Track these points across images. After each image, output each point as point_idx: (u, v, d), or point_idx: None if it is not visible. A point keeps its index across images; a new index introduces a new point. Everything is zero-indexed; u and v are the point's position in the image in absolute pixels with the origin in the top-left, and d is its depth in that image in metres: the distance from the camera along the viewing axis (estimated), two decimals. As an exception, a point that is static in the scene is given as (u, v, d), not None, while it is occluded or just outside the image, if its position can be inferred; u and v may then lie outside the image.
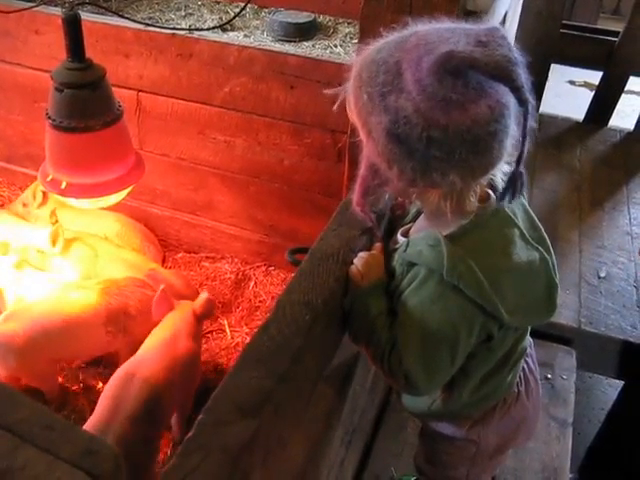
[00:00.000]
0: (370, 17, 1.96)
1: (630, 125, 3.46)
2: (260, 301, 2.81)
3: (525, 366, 1.38)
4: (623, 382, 2.31)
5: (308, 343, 0.99)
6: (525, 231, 1.16)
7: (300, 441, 1.10)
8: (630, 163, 3.08)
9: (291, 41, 3.93)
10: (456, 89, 0.95)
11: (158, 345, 2.06)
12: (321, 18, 5.67)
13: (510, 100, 0.98)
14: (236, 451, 0.81)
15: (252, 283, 2.89)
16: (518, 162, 1.02)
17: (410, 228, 1.24)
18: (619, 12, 6.32)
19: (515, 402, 1.35)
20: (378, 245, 1.25)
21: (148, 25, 2.53)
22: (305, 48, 3.59)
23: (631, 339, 2.11)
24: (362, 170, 1.10)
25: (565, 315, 2.19)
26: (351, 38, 5.82)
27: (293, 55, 2.43)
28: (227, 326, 2.69)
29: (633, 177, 2.97)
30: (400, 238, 1.23)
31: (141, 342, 2.11)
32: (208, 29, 2.95)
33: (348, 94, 1.08)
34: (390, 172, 1.04)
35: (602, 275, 2.37)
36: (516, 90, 0.94)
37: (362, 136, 1.07)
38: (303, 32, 5.16)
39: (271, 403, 0.89)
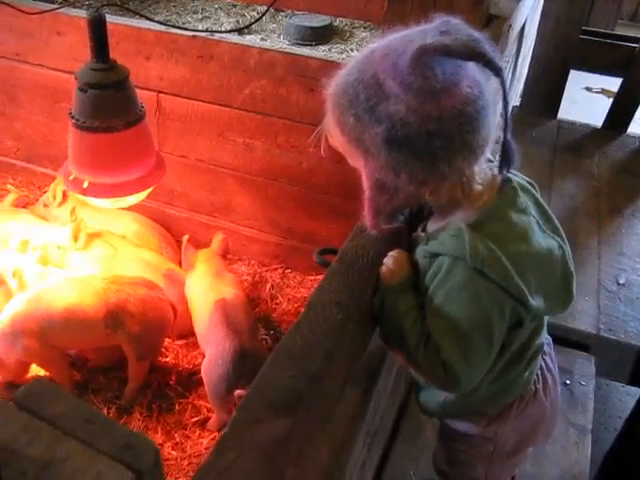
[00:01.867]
0: (394, 20, 1.96)
1: (647, 132, 3.45)
2: (277, 303, 2.81)
3: (543, 364, 1.38)
4: (641, 390, 2.30)
5: (339, 343, 0.99)
6: (539, 220, 1.18)
7: (328, 441, 1.10)
8: (649, 169, 3.08)
9: (307, 45, 3.95)
10: (437, 78, 1.00)
11: (212, 275, 2.46)
12: (337, 22, 5.70)
13: (481, 76, 1.05)
14: (270, 449, 0.82)
15: (269, 285, 2.90)
16: (505, 129, 1.08)
17: (427, 224, 1.25)
18: (637, 19, 6.31)
19: (532, 400, 1.35)
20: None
21: (171, 27, 2.55)
22: (321, 52, 3.60)
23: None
24: (367, 192, 1.13)
25: (584, 321, 2.19)
26: (367, 42, 5.85)
27: (314, 58, 2.44)
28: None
29: (652, 183, 2.96)
30: (420, 233, 1.24)
31: (143, 339, 2.28)
32: (225, 32, 2.97)
33: (329, 129, 1.13)
34: (398, 180, 1.07)
35: (621, 282, 2.37)
36: (489, 63, 1.01)
37: (358, 160, 1.11)
38: (319, 36, 5.18)
39: (303, 402, 0.89)
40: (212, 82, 2.57)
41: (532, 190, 1.22)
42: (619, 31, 5.42)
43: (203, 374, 2.23)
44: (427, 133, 1.01)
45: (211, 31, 2.58)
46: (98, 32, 1.85)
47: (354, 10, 2.32)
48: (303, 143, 2.60)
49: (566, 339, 2.15)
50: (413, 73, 1.00)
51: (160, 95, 2.66)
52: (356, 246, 1.17)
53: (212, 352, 2.20)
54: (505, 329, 1.14)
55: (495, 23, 1.99)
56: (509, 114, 1.08)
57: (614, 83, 3.57)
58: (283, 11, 5.68)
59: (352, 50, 5.02)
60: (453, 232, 1.12)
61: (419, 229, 1.25)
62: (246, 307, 2.39)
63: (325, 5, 2.40)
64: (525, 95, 3.77)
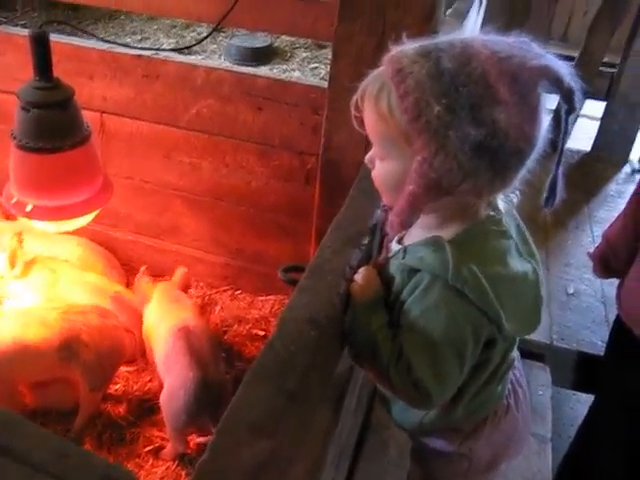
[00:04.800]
0: (344, 38, 1.96)
1: (585, 147, 3.55)
2: (227, 325, 2.76)
3: (513, 378, 1.38)
4: (594, 397, 2.33)
5: (314, 360, 0.96)
6: (518, 243, 1.18)
7: (303, 461, 1.07)
8: (589, 183, 3.17)
9: (249, 65, 3.93)
10: (540, 101, 1.02)
11: (172, 302, 2.40)
12: (278, 42, 5.75)
13: None
14: (254, 473, 0.78)
15: (218, 307, 2.84)
16: (558, 164, 1.08)
17: (403, 236, 1.23)
18: (567, 39, 6.52)
19: (505, 414, 1.35)
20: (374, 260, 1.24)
21: (116, 44, 2.50)
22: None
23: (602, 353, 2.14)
24: (412, 187, 1.06)
25: (537, 332, 2.21)
26: (308, 62, 5.90)
27: (261, 76, 2.42)
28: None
29: (593, 197, 3.05)
30: (395, 245, 1.22)
31: (97, 370, 2.19)
32: (169, 50, 2.92)
33: (377, 100, 1.07)
34: (461, 186, 1.04)
35: (570, 292, 2.41)
36: (568, 92, 1.02)
37: (406, 149, 1.06)
38: (260, 56, 5.21)
39: (283, 422, 0.86)
40: (158, 102, 2.53)
41: (515, 213, 1.22)
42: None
43: (162, 404, 2.14)
44: (515, 150, 1.01)
45: (155, 49, 2.53)
46: (41, 50, 1.79)
47: (302, 28, 2.31)
48: (251, 162, 2.58)
49: (521, 350, 2.17)
50: (530, 89, 1.00)
51: (104, 115, 2.60)
52: (324, 262, 1.15)
53: (173, 382, 2.11)
54: (478, 350, 1.14)
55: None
56: (564, 149, 1.08)
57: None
58: (224, 32, 5.69)
59: (294, 70, 5.06)
60: (434, 248, 1.11)
61: (394, 240, 1.24)
62: (210, 335, 2.32)
63: (272, 23, 2.38)
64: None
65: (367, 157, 1.18)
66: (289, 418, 0.89)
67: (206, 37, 2.24)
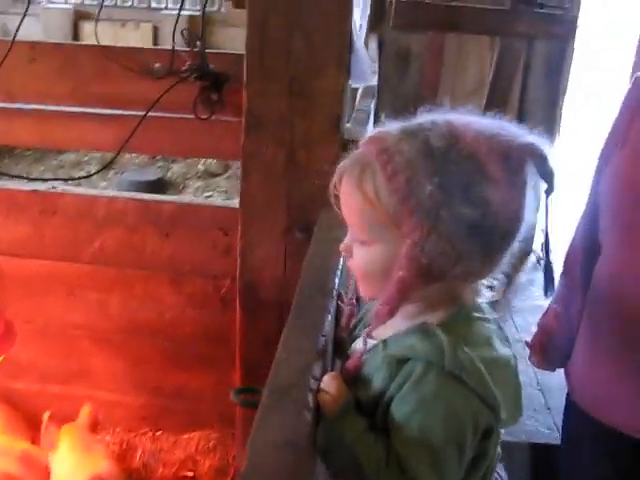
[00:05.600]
0: (252, 152, 1.94)
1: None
2: (151, 470, 2.52)
3: (497, 475, 1.28)
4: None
5: (299, 489, 0.84)
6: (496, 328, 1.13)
7: None
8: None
9: (143, 198, 3.87)
10: (526, 180, 1.00)
11: (81, 450, 2.23)
12: (170, 174, 5.75)
13: None
14: None
15: (139, 452, 2.60)
16: (547, 249, 1.08)
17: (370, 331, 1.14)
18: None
19: None
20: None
21: (10, 175, 2.37)
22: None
23: (552, 441, 2.09)
24: (403, 273, 0.99)
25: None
26: (202, 191, 5.91)
27: (167, 202, 2.35)
28: (118, 507, 2.36)
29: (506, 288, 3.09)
30: (370, 341, 1.11)
31: None
32: (62, 179, 2.81)
33: (376, 184, 1.00)
34: (452, 269, 0.99)
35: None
36: (550, 172, 1.01)
37: (393, 233, 1.00)
38: (153, 189, 5.16)
39: None
40: (57, 237, 2.39)
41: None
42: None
43: None
44: (505, 231, 0.99)
45: (50, 179, 2.43)
46: None
47: (207, 149, 2.28)
48: (163, 292, 2.45)
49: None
50: (519, 167, 0.98)
51: (-1, 257, 2.42)
52: (282, 376, 1.03)
53: None
54: (476, 441, 1.03)
55: (351, 147, 2.02)
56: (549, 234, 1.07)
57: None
58: (114, 168, 5.64)
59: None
60: (423, 334, 1.03)
61: (362, 336, 1.13)
62: None
63: (174, 146, 2.35)
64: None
65: (342, 245, 1.11)
66: None
67: (106, 166, 2.17)
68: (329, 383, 1.05)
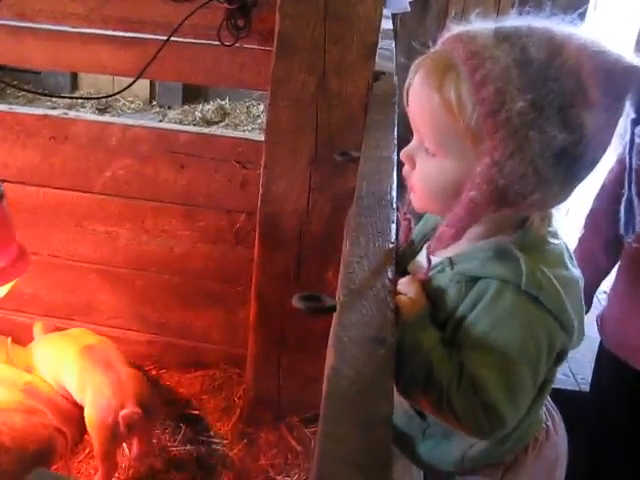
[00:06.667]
0: (282, 78, 1.87)
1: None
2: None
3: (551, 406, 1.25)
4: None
5: (386, 384, 0.79)
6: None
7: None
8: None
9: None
10: (624, 108, 0.93)
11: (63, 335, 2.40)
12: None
13: None
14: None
15: (143, 390, 2.55)
16: (630, 183, 1.04)
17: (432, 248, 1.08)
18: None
19: (546, 439, 1.18)
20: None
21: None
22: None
23: (570, 387, 2.07)
24: (474, 194, 0.91)
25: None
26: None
27: (184, 132, 2.28)
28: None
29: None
30: (434, 259, 1.05)
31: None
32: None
33: (459, 90, 0.90)
34: (532, 196, 0.91)
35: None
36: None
37: (477, 147, 0.90)
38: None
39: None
40: (67, 166, 2.31)
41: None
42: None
43: (88, 422, 2.04)
44: (591, 161, 0.92)
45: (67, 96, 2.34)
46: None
47: (229, 77, 2.20)
48: (174, 226, 2.38)
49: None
50: (621, 92, 0.90)
51: (5, 185, 2.33)
52: (356, 277, 0.97)
53: (94, 396, 2.06)
54: (550, 363, 1.00)
55: (383, 79, 1.96)
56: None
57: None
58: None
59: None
60: (496, 253, 0.97)
61: (424, 254, 1.08)
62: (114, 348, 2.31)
63: (193, 74, 2.26)
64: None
65: (404, 153, 1.01)
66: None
67: (128, 87, 2.07)
68: (408, 285, 1.00)
